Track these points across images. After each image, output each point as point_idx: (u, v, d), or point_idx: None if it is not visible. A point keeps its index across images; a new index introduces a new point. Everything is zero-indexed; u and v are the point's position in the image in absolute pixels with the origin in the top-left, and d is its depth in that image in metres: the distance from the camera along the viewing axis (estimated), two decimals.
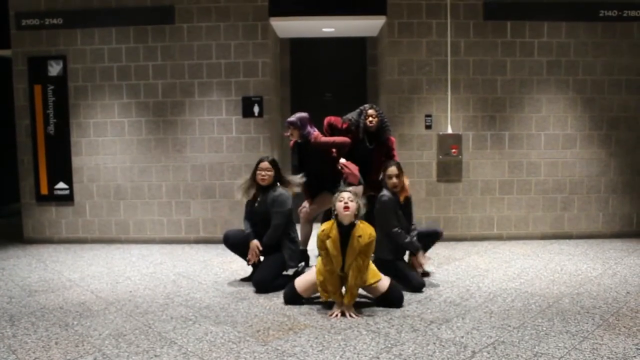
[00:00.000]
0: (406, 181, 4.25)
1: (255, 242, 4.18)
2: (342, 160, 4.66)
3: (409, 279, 4.05)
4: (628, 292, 3.96)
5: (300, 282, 3.77)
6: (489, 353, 2.88)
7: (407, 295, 3.89)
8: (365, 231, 3.55)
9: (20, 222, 6.19)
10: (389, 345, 3.00)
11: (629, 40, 5.85)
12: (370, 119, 4.71)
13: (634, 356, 2.82)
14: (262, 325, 3.35)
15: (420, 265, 4.21)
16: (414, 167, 5.84)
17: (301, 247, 4.65)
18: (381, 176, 4.30)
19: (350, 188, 3.81)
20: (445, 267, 4.79)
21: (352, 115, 4.81)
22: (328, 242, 3.54)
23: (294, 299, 3.76)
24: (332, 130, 4.84)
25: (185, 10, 5.82)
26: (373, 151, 4.80)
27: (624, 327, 3.24)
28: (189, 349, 2.98)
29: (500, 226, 5.96)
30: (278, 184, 4.25)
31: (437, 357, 2.85)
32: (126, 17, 5.84)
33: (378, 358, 2.84)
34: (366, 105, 4.82)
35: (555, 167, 5.93)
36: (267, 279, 4.08)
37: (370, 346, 3.00)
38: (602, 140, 5.93)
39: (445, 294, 3.97)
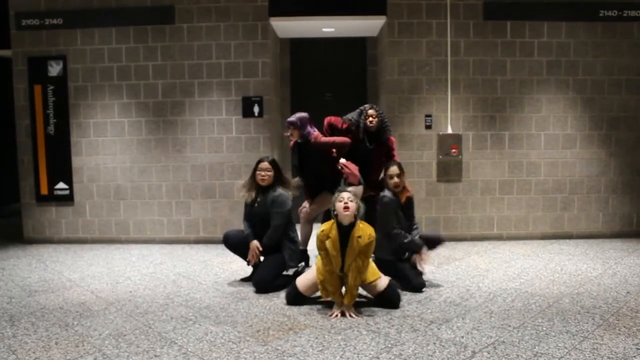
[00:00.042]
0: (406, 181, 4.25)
1: (255, 243, 4.18)
2: (342, 160, 4.65)
3: (409, 279, 4.04)
4: (628, 292, 3.96)
5: (302, 281, 3.76)
6: (489, 353, 2.88)
7: (407, 295, 3.90)
8: (365, 231, 3.55)
9: (20, 222, 6.19)
10: (389, 345, 3.00)
11: (629, 40, 5.85)
12: (371, 119, 4.71)
13: (634, 356, 2.82)
14: (262, 325, 3.35)
15: (423, 262, 4.09)
16: (414, 167, 5.84)
17: (301, 247, 4.64)
18: (381, 176, 4.29)
19: (350, 188, 3.81)
20: (445, 267, 4.79)
21: (352, 115, 4.81)
22: (327, 243, 3.54)
23: (297, 299, 3.75)
24: (332, 130, 4.83)
25: (185, 10, 5.82)
26: (373, 151, 4.80)
27: (624, 327, 3.24)
28: (189, 349, 2.98)
29: (500, 226, 5.97)
30: (278, 184, 4.26)
31: (437, 357, 2.85)
32: (126, 17, 5.84)
33: (378, 358, 2.84)
34: (366, 105, 4.81)
35: (555, 167, 5.93)
36: (267, 279, 4.08)
37: (370, 346, 3.00)
38: (602, 140, 5.93)
39: (445, 294, 3.97)
